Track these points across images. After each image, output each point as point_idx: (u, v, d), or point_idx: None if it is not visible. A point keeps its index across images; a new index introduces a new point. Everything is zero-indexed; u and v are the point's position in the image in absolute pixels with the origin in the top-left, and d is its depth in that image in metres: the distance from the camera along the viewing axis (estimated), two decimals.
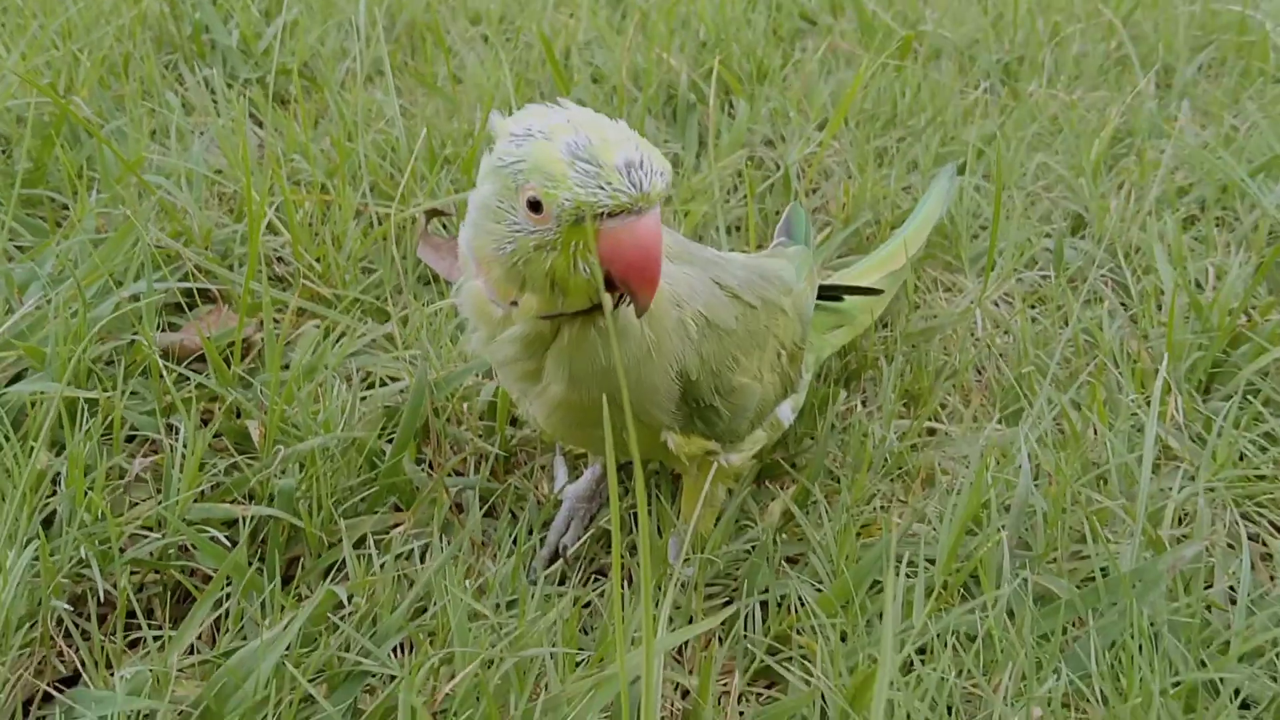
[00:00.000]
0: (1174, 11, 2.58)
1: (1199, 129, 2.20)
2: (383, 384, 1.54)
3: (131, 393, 1.46)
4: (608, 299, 0.98)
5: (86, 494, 1.24)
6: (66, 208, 1.81)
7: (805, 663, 1.20)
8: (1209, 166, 2.02)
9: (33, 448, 1.28)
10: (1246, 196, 1.97)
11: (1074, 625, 1.23)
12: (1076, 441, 1.40)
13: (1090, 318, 1.69)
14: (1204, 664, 1.18)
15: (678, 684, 1.20)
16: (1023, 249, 1.85)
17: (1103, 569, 1.26)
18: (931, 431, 1.54)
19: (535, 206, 0.94)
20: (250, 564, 1.25)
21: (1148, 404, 1.49)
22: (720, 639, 1.25)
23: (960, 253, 1.85)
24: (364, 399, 1.47)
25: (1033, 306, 1.75)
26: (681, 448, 1.17)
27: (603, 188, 0.91)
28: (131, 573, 1.25)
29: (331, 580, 1.28)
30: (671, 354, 1.10)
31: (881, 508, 1.40)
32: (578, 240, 0.94)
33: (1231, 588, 1.29)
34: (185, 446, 1.33)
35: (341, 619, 1.19)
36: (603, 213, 0.92)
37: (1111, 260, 1.84)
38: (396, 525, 1.35)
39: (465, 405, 1.51)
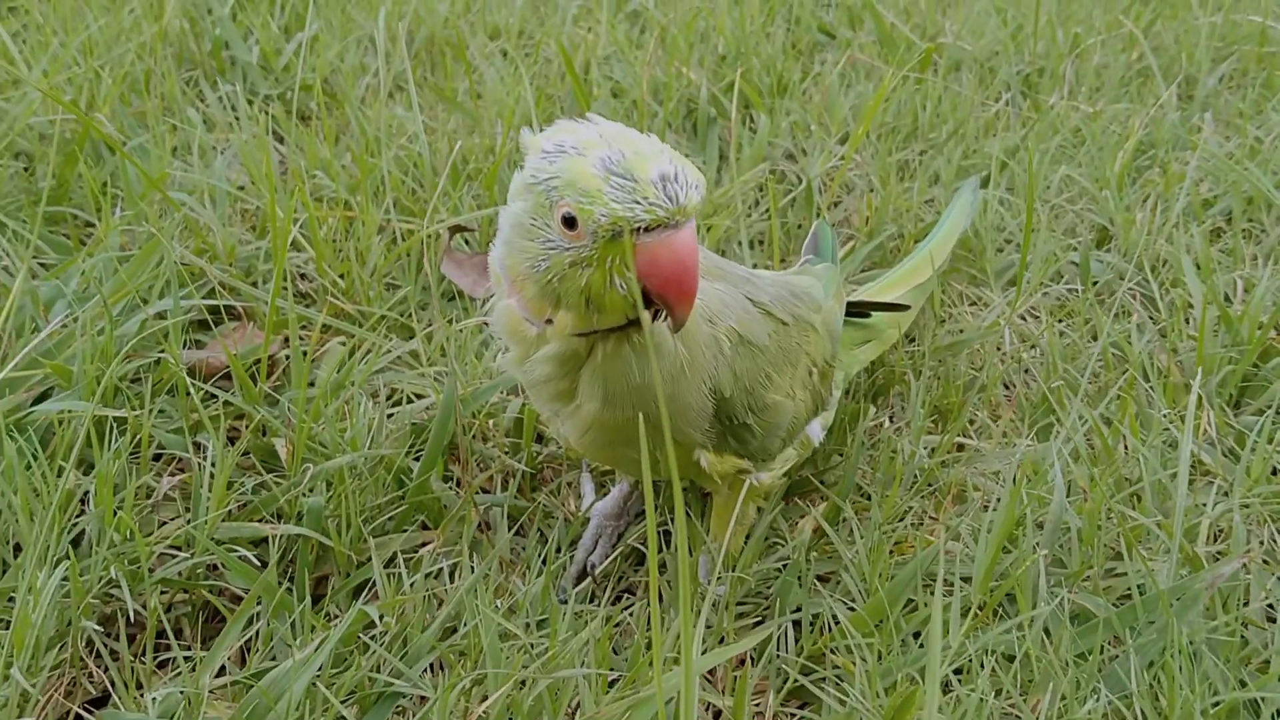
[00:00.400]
0: (1195, 23, 2.57)
1: (1223, 140, 2.19)
2: (409, 401, 1.53)
3: (159, 411, 1.45)
4: (646, 315, 0.97)
5: (116, 513, 1.24)
6: (91, 225, 1.81)
7: (840, 683, 1.19)
8: (1234, 178, 2.00)
9: (62, 467, 1.28)
10: (1273, 208, 1.96)
11: (1112, 644, 1.22)
12: (1110, 457, 1.39)
13: (1119, 331, 1.68)
14: (1244, 683, 1.16)
15: (710, 704, 1.19)
16: (1049, 262, 1.84)
17: (1139, 587, 1.24)
18: (961, 447, 1.53)
19: (570, 223, 0.94)
20: (280, 584, 1.25)
21: (1180, 419, 1.48)
22: (753, 658, 1.24)
23: (985, 266, 1.84)
24: (390, 416, 1.47)
25: (1060, 320, 1.74)
26: (714, 466, 1.16)
27: (639, 202, 0.90)
28: (161, 593, 1.25)
29: (361, 600, 1.27)
30: (705, 370, 1.09)
31: (913, 525, 1.39)
32: (614, 256, 0.94)
33: (1270, 605, 1.27)
34: (213, 465, 1.32)
35: (372, 639, 1.18)
36: (639, 227, 0.91)
37: (1139, 274, 1.83)
38: (425, 544, 1.34)
39: (491, 422, 1.50)
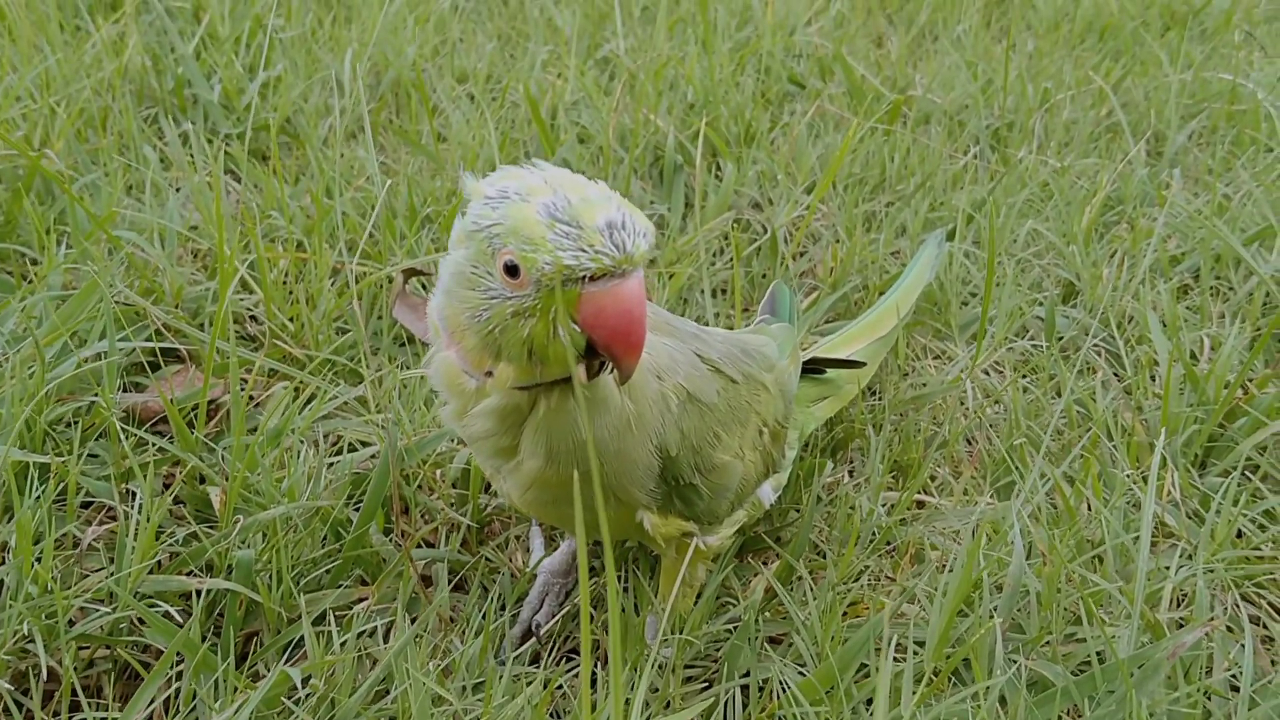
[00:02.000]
0: (1165, 79, 2.57)
1: (1191, 197, 2.18)
2: (352, 449, 1.48)
3: (91, 455, 1.40)
4: (580, 370, 0.93)
5: (35, 565, 1.18)
6: (36, 262, 1.76)
7: None
8: (1202, 234, 1.99)
9: None
10: (1241, 265, 1.94)
11: (1070, 714, 1.17)
12: (1071, 518, 1.35)
13: (1083, 388, 1.65)
14: None
15: None
16: (1014, 316, 1.81)
17: (1099, 654, 1.20)
18: (921, 504, 1.49)
19: (512, 271, 0.90)
20: (205, 638, 1.19)
21: (1144, 480, 1.45)
22: None
23: (950, 320, 1.81)
24: (331, 465, 1.42)
25: (1024, 376, 1.71)
26: (658, 528, 1.12)
27: (584, 250, 0.87)
28: (79, 649, 1.19)
29: (290, 659, 1.21)
30: (652, 427, 1.05)
31: (869, 584, 1.35)
32: (557, 306, 0.90)
33: (1233, 675, 1.23)
34: (141, 514, 1.27)
35: (297, 703, 1.13)
36: (584, 276, 0.88)
37: (1104, 330, 1.80)
38: (361, 600, 1.29)
39: (439, 472, 1.45)
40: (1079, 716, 1.16)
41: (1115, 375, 1.73)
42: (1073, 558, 1.29)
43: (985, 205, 2.06)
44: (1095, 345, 1.78)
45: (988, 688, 1.14)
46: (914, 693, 1.13)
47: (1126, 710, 1.10)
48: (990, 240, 1.58)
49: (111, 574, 1.23)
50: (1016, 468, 1.49)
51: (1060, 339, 1.79)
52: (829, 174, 1.96)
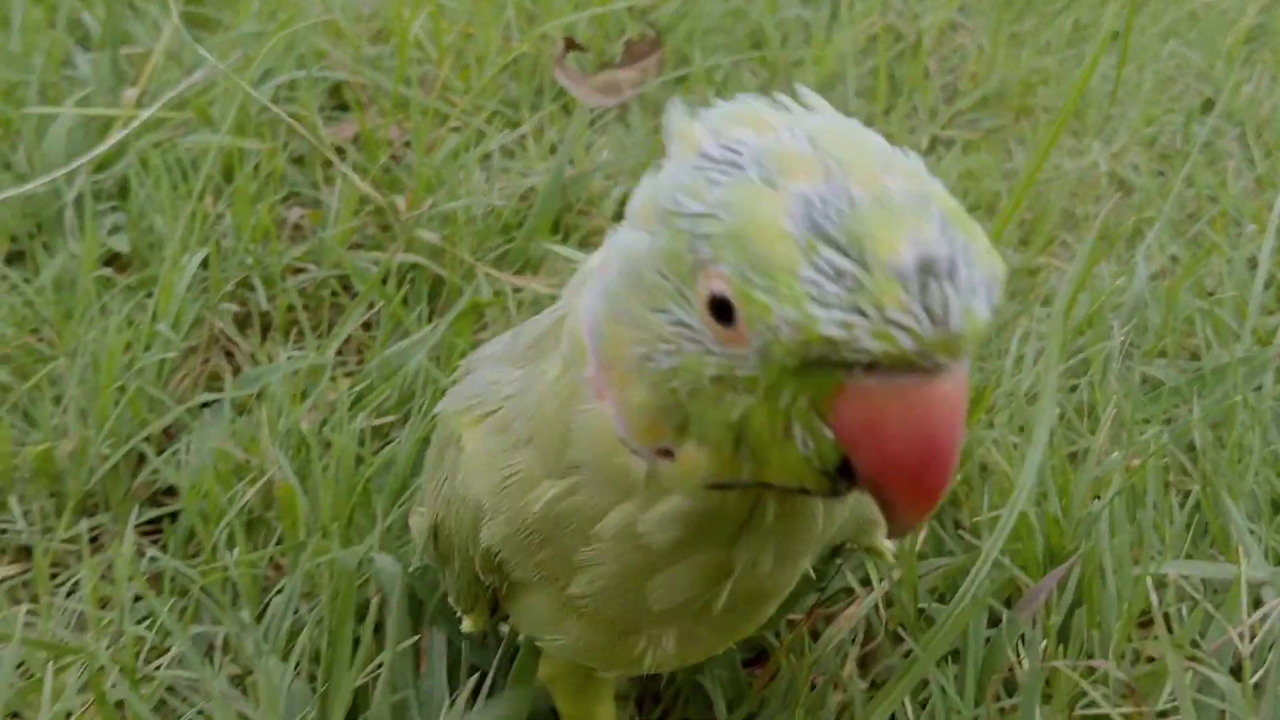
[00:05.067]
0: None
1: None
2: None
3: (291, 158, 1.55)
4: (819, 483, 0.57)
5: (251, 224, 1.34)
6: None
7: None
8: None
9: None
10: None
11: (1179, 406, 1.25)
12: (1193, 264, 1.42)
13: (1215, 177, 1.71)
14: None
15: None
16: (1150, 119, 1.86)
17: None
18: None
19: (722, 311, 0.54)
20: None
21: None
22: None
23: (1086, 119, 1.88)
24: (501, 189, 1.56)
25: (1160, 171, 1.77)
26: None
27: (865, 313, 0.49)
28: (288, 308, 1.35)
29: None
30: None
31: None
32: (797, 393, 0.53)
33: None
34: (339, 202, 1.43)
35: (484, 328, 1.28)
36: (858, 361, 0.51)
37: (1237, 130, 1.85)
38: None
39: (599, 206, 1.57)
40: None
41: (1250, 169, 1.77)
42: (1191, 287, 1.37)
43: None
44: (1229, 148, 1.83)
45: (1104, 374, 1.23)
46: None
47: (1232, 399, 1.18)
48: (1129, 21, 1.62)
49: (317, 241, 1.39)
50: (1144, 231, 1.56)
51: (1195, 142, 1.84)
52: None
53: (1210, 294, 1.41)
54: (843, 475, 0.55)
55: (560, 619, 0.74)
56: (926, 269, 0.49)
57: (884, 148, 0.54)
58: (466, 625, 0.85)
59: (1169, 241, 1.52)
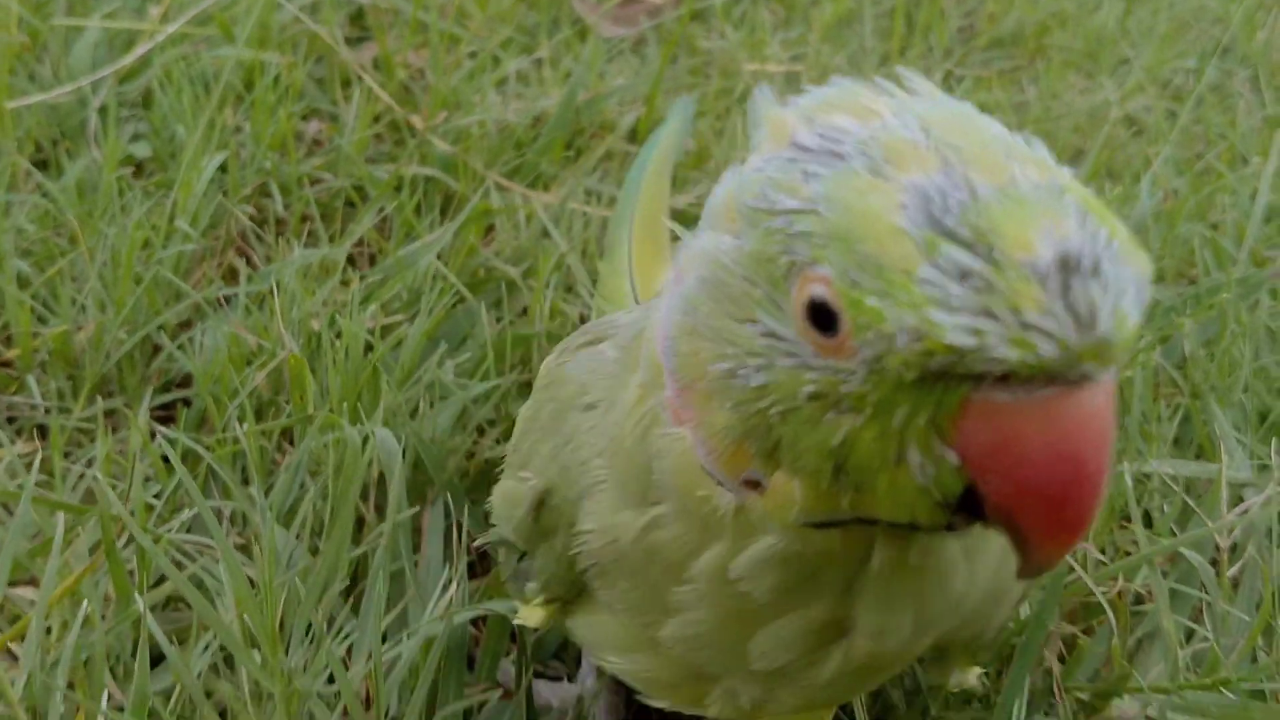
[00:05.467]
0: None
1: None
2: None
3: (311, 79, 1.58)
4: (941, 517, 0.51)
5: (272, 125, 1.37)
6: None
7: None
8: None
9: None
10: None
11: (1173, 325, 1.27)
12: (1197, 190, 1.44)
13: (1224, 115, 1.72)
14: None
15: None
16: (1164, 62, 1.87)
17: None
18: None
19: (823, 319, 0.48)
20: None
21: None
22: None
23: (1100, 60, 1.88)
24: (514, 110, 1.58)
25: (1171, 112, 1.77)
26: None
27: (998, 318, 0.44)
28: (303, 218, 1.38)
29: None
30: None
31: None
32: (913, 412, 0.48)
33: None
34: (356, 118, 1.46)
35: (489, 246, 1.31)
36: (989, 373, 0.45)
37: (1248, 71, 1.86)
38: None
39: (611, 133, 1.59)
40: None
41: (1260, 108, 1.78)
42: (1190, 216, 1.39)
43: None
44: (1240, 87, 1.83)
45: None
46: None
47: (1226, 321, 1.20)
48: None
49: (334, 151, 1.42)
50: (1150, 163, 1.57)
51: (1206, 83, 1.85)
52: None
53: (1214, 226, 1.43)
54: (961, 507, 0.49)
55: (632, 648, 0.68)
56: (1067, 266, 0.43)
57: (1004, 134, 0.49)
58: (528, 618, 0.74)
59: (1175, 177, 1.54)
